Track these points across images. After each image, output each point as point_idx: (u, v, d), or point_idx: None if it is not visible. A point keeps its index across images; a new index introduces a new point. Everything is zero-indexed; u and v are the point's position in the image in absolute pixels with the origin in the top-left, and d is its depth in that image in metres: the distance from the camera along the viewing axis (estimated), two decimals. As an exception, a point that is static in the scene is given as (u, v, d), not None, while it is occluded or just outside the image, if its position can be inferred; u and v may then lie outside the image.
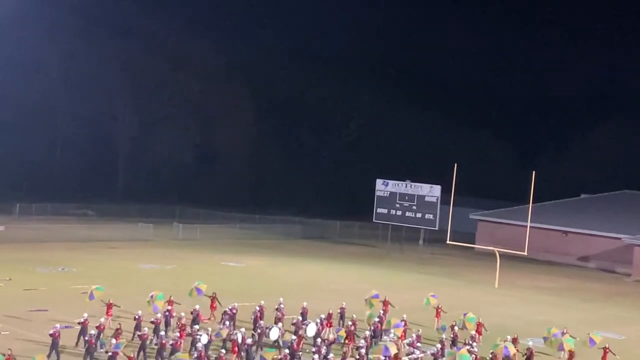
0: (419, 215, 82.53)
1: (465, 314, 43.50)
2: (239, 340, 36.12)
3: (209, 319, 42.54)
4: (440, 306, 46.29)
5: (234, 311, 41.44)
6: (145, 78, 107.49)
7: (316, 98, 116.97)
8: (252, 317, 41.14)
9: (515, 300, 58.96)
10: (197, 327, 38.19)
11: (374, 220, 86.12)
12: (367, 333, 39.38)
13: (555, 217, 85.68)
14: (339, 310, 44.02)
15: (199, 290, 44.50)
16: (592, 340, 41.81)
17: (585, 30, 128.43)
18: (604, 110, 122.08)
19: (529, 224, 65.19)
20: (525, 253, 65.15)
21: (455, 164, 65.54)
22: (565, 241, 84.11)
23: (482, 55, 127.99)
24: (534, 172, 62.91)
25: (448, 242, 69.15)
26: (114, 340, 34.57)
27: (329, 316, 42.16)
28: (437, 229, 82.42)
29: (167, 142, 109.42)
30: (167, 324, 39.64)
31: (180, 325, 37.69)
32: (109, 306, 40.41)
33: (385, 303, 45.81)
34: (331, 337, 38.65)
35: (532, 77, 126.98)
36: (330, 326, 41.62)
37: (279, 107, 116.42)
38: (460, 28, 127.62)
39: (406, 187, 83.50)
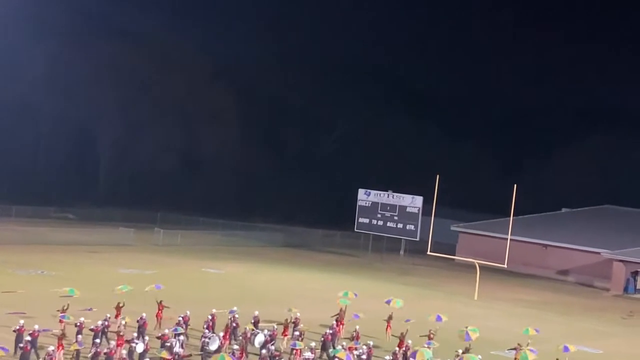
0: (400, 225, 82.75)
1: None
2: (174, 349, 35.79)
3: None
4: (391, 316, 45.77)
5: (187, 319, 41.08)
6: (130, 80, 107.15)
7: (301, 106, 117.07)
8: (205, 325, 40.67)
9: (494, 313, 59.13)
10: (134, 334, 37.76)
11: (355, 230, 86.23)
12: (313, 344, 38.98)
13: (536, 231, 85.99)
14: (292, 320, 42.93)
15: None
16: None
17: (568, 44, 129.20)
18: (587, 125, 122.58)
19: (509, 237, 65.42)
20: (505, 265, 65.39)
21: (437, 175, 65.77)
22: (545, 254, 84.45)
23: (467, 67, 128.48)
24: (515, 185, 63.17)
25: (429, 253, 69.27)
26: (51, 348, 34.24)
27: (286, 326, 42.03)
28: (418, 239, 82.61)
29: (151, 146, 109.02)
30: (103, 333, 38.52)
31: (117, 333, 37.28)
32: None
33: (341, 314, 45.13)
34: (280, 346, 38.31)
35: (515, 90, 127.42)
36: (286, 336, 41.35)
37: (264, 113, 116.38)
38: (446, 40, 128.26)
39: (388, 197, 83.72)
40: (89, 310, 42.73)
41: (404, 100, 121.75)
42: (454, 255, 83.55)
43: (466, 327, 42.84)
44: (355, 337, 41.08)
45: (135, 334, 37.72)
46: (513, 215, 65.46)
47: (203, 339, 38.83)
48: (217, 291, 55.34)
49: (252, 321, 42.01)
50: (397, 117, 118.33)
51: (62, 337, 35.87)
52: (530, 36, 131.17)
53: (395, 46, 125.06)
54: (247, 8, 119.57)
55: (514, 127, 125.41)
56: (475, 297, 63.88)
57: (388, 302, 48.32)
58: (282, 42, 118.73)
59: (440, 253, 71.49)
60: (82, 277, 56.20)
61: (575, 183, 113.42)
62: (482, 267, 67.18)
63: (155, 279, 57.82)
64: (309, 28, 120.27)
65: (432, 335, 41.96)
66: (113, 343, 36.31)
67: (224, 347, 39.04)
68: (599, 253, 78.98)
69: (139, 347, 35.76)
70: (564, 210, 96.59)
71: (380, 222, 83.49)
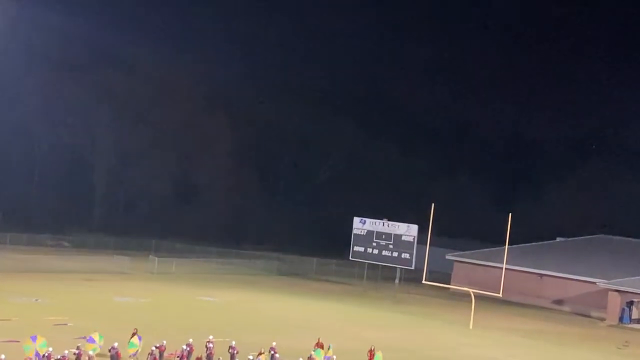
0: (395, 254, 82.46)
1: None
2: None
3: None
4: (373, 348, 44.89)
5: (163, 349, 40.67)
6: (125, 109, 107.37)
7: (295, 135, 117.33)
8: (178, 355, 40.02)
9: (489, 342, 58.95)
10: None
11: (350, 258, 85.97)
12: None
13: (531, 260, 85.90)
14: (270, 350, 42.36)
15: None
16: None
17: (563, 74, 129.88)
18: (582, 154, 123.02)
19: (504, 266, 65.37)
20: (500, 295, 65.30)
21: (433, 204, 65.82)
22: (540, 284, 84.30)
23: (461, 97, 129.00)
24: (510, 214, 63.26)
25: (424, 281, 69.18)
26: None
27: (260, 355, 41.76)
28: (413, 268, 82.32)
29: (146, 174, 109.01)
30: None
31: None
32: None
33: (319, 344, 44.41)
34: None
35: (511, 119, 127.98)
36: None
37: (258, 142, 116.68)
38: (441, 71, 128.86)
39: (383, 225, 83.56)
40: (84, 338, 42.49)
41: (399, 130, 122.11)
42: (449, 284, 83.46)
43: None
44: None
45: None
46: (508, 245, 65.49)
47: None
48: (209, 319, 55.08)
49: (230, 351, 41.56)
50: (392, 146, 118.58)
51: None
52: (524, 68, 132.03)
53: (390, 76, 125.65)
54: (242, 38, 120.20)
55: (509, 157, 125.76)
56: (471, 326, 63.74)
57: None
58: (276, 72, 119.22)
59: (435, 282, 71.42)
60: (77, 305, 55.99)
61: (570, 212, 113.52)
62: (477, 296, 67.08)
63: (151, 307, 57.85)
64: (303, 58, 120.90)
65: None
66: None
67: None
68: (594, 283, 78.91)
69: None
70: (559, 239, 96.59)
71: (376, 251, 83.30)
